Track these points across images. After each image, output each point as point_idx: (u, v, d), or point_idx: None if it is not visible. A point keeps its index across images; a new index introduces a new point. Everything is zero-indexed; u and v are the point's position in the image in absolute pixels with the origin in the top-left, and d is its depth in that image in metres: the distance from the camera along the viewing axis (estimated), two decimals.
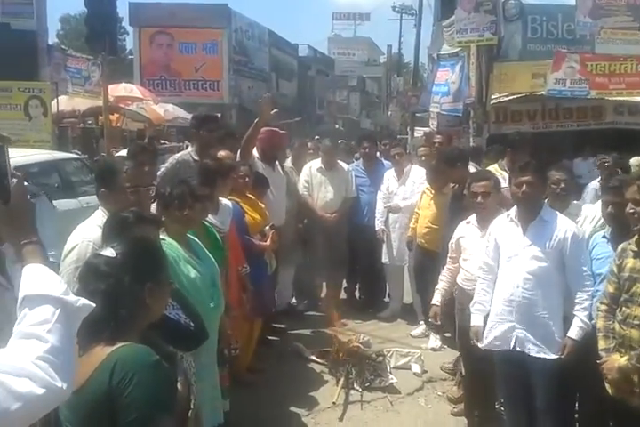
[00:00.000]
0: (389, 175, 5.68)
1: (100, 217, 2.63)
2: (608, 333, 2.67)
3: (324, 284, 5.96)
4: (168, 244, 2.56)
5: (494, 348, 3.06)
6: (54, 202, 5.62)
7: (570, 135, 8.91)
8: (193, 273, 2.61)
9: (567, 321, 2.91)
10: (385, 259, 5.70)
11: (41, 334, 1.09)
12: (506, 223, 3.10)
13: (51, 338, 1.09)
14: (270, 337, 5.05)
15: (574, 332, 2.86)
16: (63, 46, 13.09)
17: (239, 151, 4.67)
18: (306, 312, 5.78)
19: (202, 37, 19.64)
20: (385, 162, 6.06)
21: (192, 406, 1.82)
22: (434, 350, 4.87)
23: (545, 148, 7.06)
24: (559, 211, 3.11)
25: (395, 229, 5.60)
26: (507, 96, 8.53)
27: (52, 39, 17.40)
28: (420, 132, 14.96)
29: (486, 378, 3.37)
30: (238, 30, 20.93)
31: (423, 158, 5.76)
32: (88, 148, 11.36)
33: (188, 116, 11.10)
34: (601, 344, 2.68)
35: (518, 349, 2.98)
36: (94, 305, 1.22)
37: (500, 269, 3.07)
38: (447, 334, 4.71)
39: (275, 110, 4.67)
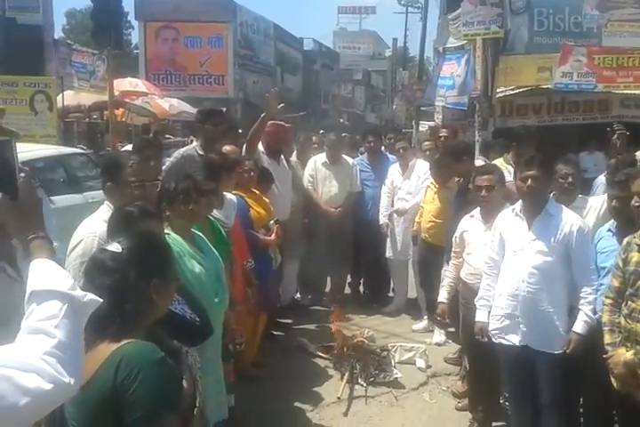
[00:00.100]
0: (394, 169, 5.67)
1: (105, 212, 2.64)
2: (614, 327, 2.66)
3: (329, 278, 5.96)
4: (172, 238, 2.56)
5: (498, 342, 3.06)
6: (60, 197, 5.65)
7: (575, 129, 8.85)
8: (197, 268, 2.61)
9: (572, 314, 2.91)
10: (389, 253, 5.69)
11: (48, 329, 1.10)
12: (511, 218, 3.09)
13: (58, 333, 1.10)
14: (275, 332, 5.06)
15: (579, 326, 2.86)
16: (69, 41, 13.09)
17: (244, 145, 4.68)
18: (310, 307, 5.79)
19: (207, 31, 19.59)
20: (390, 156, 6.04)
21: (197, 404, 1.81)
22: (438, 344, 4.87)
23: (550, 141, 7.01)
24: (565, 205, 3.10)
25: (399, 224, 5.59)
26: (512, 90, 8.48)
27: (58, 34, 17.38)
28: (424, 126, 14.90)
29: (490, 373, 3.37)
30: (243, 24, 20.87)
31: (427, 153, 5.73)
32: (93, 142, 11.39)
33: (193, 110, 11.09)
34: (607, 338, 2.67)
35: (523, 343, 2.97)
36: (101, 300, 1.22)
37: (505, 263, 3.07)
38: (451, 329, 4.72)
39: (281, 105, 4.67)
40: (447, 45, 9.64)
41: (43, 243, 1.25)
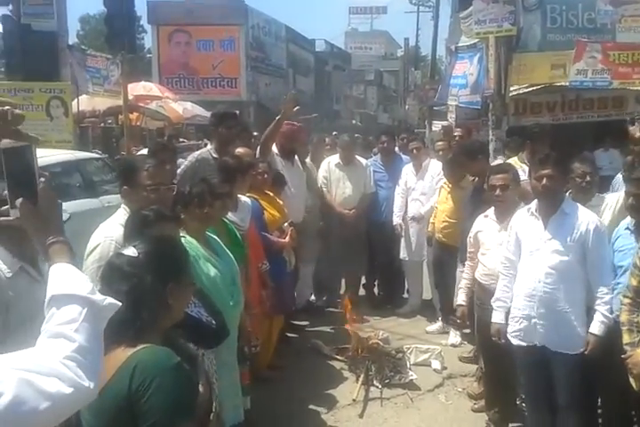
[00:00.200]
0: (407, 170, 5.65)
1: (122, 215, 2.65)
2: (632, 326, 2.63)
3: (343, 280, 5.96)
4: (188, 242, 2.58)
5: (515, 343, 3.04)
6: (76, 201, 5.72)
7: (590, 126, 8.75)
8: (212, 271, 2.62)
9: (590, 314, 2.88)
10: (403, 254, 5.67)
11: (68, 333, 1.10)
12: (526, 217, 3.06)
13: (78, 337, 1.10)
14: (289, 334, 5.07)
15: (596, 327, 2.83)
16: (83, 46, 13.23)
17: (259, 148, 4.69)
18: (325, 309, 5.79)
19: (219, 34, 19.71)
20: (403, 156, 6.02)
21: (214, 408, 1.79)
22: (453, 346, 4.84)
23: (565, 139, 6.94)
24: (582, 203, 3.07)
25: (413, 225, 5.57)
26: (526, 88, 8.40)
27: (72, 39, 17.58)
28: (437, 125, 14.82)
29: (506, 374, 3.35)
30: (255, 26, 20.96)
31: (441, 153, 5.71)
32: (108, 147, 11.49)
33: (207, 113, 11.15)
34: (625, 338, 2.64)
35: (540, 344, 2.95)
36: (120, 304, 1.22)
37: (522, 263, 3.04)
38: (467, 330, 4.69)
39: (297, 108, 4.69)
40: (459, 44, 9.58)
41: (62, 247, 1.26)
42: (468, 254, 3.74)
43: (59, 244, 1.26)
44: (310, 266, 5.56)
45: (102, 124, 12.95)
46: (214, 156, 4.30)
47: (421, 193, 5.52)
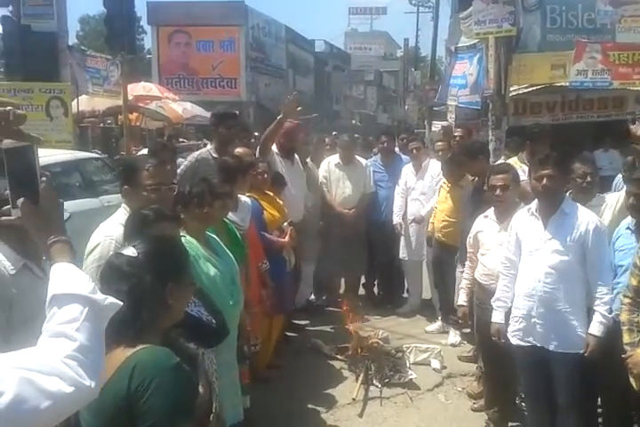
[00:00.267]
0: (407, 170, 5.66)
1: (122, 215, 2.65)
2: (632, 326, 2.63)
3: (343, 280, 5.96)
4: (188, 241, 2.58)
5: (515, 343, 3.04)
6: (76, 201, 5.72)
7: (590, 126, 8.76)
8: (212, 271, 2.63)
9: (590, 314, 2.88)
10: (403, 254, 5.68)
11: (69, 332, 1.10)
12: (527, 217, 3.07)
13: (79, 337, 1.10)
14: (289, 333, 5.07)
15: (595, 328, 2.83)
16: (83, 47, 13.24)
17: (258, 147, 4.70)
18: (324, 308, 5.80)
19: (219, 35, 19.72)
20: (403, 156, 6.03)
21: (214, 410, 1.76)
22: (453, 345, 4.85)
23: (565, 139, 6.95)
24: (582, 204, 3.07)
25: (412, 225, 5.58)
26: (526, 88, 8.41)
27: (72, 40, 17.59)
28: (437, 126, 14.82)
29: (506, 373, 3.35)
30: (255, 27, 20.96)
31: (440, 153, 5.72)
32: (108, 147, 11.50)
33: (207, 114, 11.16)
34: (625, 338, 2.64)
35: (539, 344, 2.95)
36: (121, 303, 1.22)
37: (522, 263, 3.05)
38: (466, 330, 4.69)
39: (299, 108, 4.71)
40: (459, 44, 9.59)
41: (63, 246, 1.26)
42: (467, 254, 3.75)
43: (60, 243, 1.27)
44: (311, 265, 5.56)
45: (102, 125, 12.96)
46: (214, 156, 4.30)
47: (421, 193, 5.53)
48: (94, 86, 9.64)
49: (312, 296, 5.97)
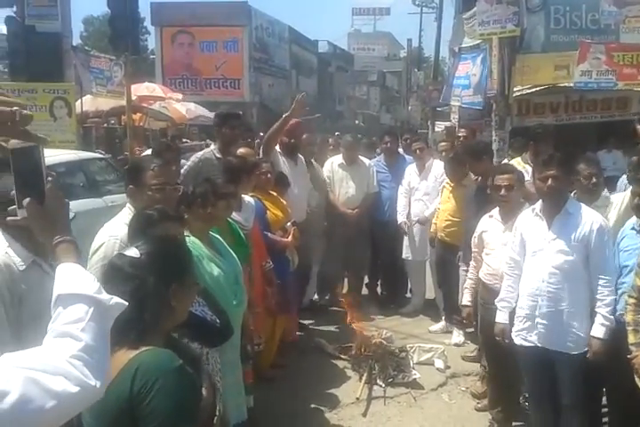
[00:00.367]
0: (411, 170, 5.66)
1: (127, 215, 2.66)
2: (638, 326, 2.63)
3: (346, 280, 5.97)
4: (191, 242, 2.59)
5: (519, 343, 3.04)
6: (80, 201, 5.74)
7: (593, 127, 8.76)
8: (216, 271, 2.63)
9: (594, 315, 2.87)
10: (406, 254, 5.68)
11: (75, 332, 1.10)
12: (531, 218, 3.07)
13: (84, 337, 1.10)
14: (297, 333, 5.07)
15: (598, 330, 2.82)
16: (87, 47, 13.29)
17: (262, 147, 4.70)
18: (328, 308, 5.80)
19: (222, 35, 19.74)
20: (406, 157, 6.03)
21: (217, 413, 1.73)
22: (457, 345, 4.85)
23: (568, 140, 6.94)
24: (587, 204, 3.07)
25: (416, 224, 5.58)
26: (529, 88, 8.41)
27: (76, 41, 17.69)
28: (440, 126, 14.83)
29: (509, 373, 3.35)
30: (259, 28, 20.98)
31: (443, 153, 5.72)
32: (112, 147, 11.52)
33: (210, 114, 11.17)
34: (631, 338, 2.64)
35: (542, 344, 2.95)
36: (127, 304, 1.21)
37: (526, 263, 3.05)
38: (470, 330, 4.69)
39: (307, 108, 4.72)
40: (463, 45, 9.58)
41: (69, 246, 1.26)
42: (472, 254, 3.75)
43: (65, 243, 1.27)
44: (315, 265, 5.57)
45: (105, 125, 12.97)
46: (218, 156, 4.31)
47: (424, 193, 5.53)
48: (98, 87, 9.67)
49: (315, 296, 5.98)
